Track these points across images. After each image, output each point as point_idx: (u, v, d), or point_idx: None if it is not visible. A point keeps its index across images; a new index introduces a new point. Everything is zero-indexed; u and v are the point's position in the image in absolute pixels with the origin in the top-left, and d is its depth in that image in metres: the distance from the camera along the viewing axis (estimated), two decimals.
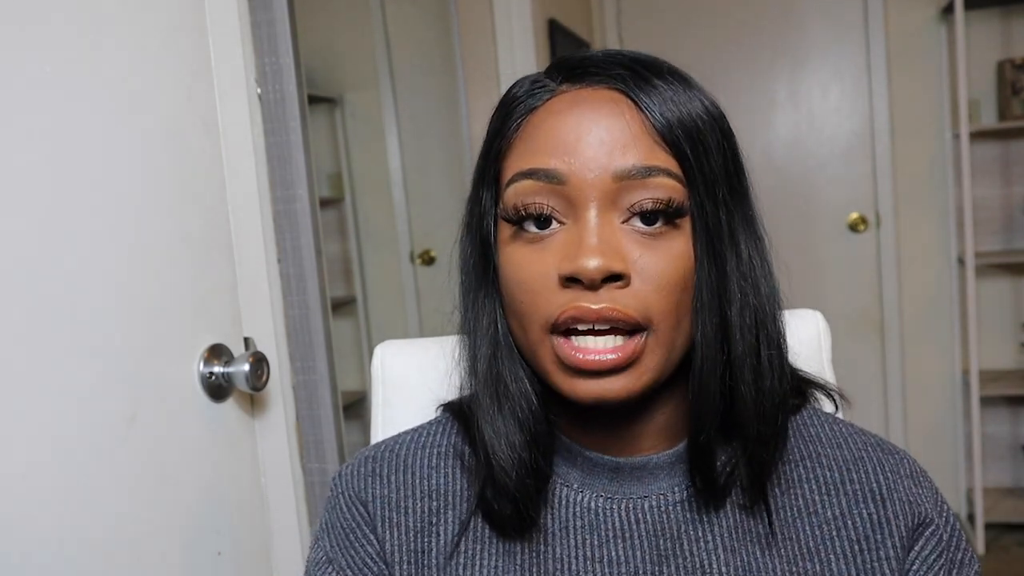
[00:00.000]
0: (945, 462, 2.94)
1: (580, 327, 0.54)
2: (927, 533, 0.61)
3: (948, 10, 2.70)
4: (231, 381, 0.99)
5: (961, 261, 2.76)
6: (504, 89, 0.62)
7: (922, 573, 0.60)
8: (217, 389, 0.98)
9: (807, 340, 0.84)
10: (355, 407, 2.43)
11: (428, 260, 2.57)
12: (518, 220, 0.56)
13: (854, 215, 2.97)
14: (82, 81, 0.82)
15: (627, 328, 0.54)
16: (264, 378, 1.01)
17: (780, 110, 3.00)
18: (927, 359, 2.95)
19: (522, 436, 0.59)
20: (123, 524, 0.84)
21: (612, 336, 0.54)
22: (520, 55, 2.30)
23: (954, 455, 2.94)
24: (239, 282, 1.04)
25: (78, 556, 0.78)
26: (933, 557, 0.61)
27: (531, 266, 0.55)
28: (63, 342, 0.78)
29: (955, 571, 0.61)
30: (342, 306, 2.58)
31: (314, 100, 2.37)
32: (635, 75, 0.56)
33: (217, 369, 0.97)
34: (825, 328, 0.86)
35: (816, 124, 2.98)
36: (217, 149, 1.01)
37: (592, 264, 0.52)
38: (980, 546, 2.67)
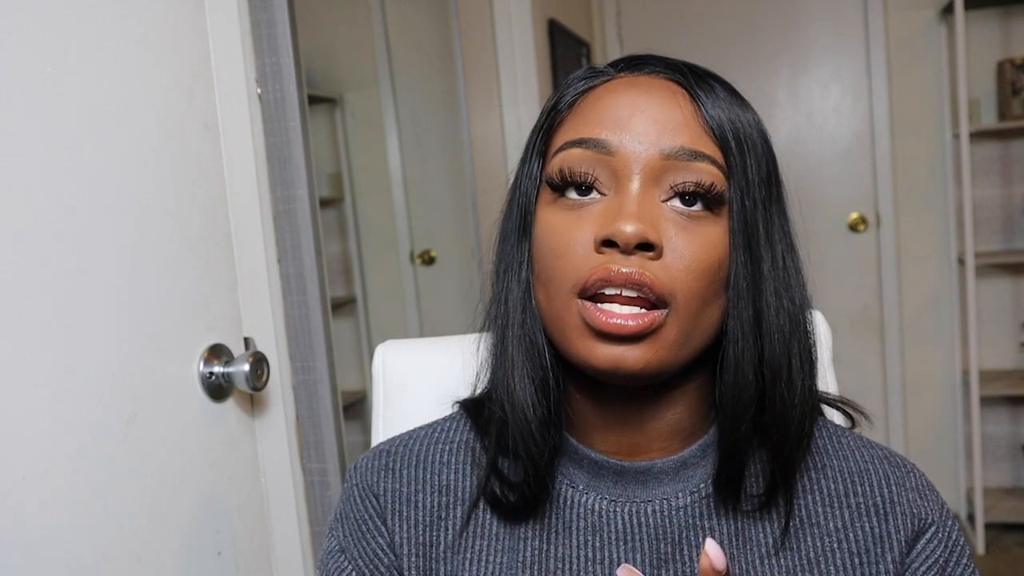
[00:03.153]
0: (945, 462, 2.94)
1: (608, 291, 0.54)
2: (928, 535, 0.61)
3: (948, 10, 2.70)
4: (231, 381, 0.99)
5: (961, 261, 2.76)
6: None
7: (922, 569, 0.60)
8: (217, 389, 0.98)
9: None
10: (355, 407, 2.42)
11: (428, 260, 2.57)
12: (562, 185, 0.57)
13: (854, 215, 2.97)
14: (82, 81, 0.82)
15: (652, 299, 0.54)
16: (264, 378, 1.01)
17: (780, 110, 3.00)
18: (927, 359, 2.95)
19: (543, 397, 0.60)
20: (123, 524, 0.84)
21: (636, 307, 0.54)
22: (520, 55, 2.30)
23: (954, 455, 2.94)
24: (239, 282, 1.04)
25: (78, 556, 0.78)
26: (936, 551, 0.61)
27: (567, 231, 0.56)
28: (63, 342, 0.78)
29: (950, 569, 0.61)
30: (342, 306, 2.58)
31: (314, 100, 2.37)
32: (693, 72, 0.59)
33: (217, 369, 0.97)
34: (826, 328, 0.86)
35: (816, 124, 2.98)
36: (217, 149, 1.01)
37: (629, 228, 0.53)
38: (980, 546, 2.67)
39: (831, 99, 2.96)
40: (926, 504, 0.62)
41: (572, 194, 0.57)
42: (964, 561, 0.62)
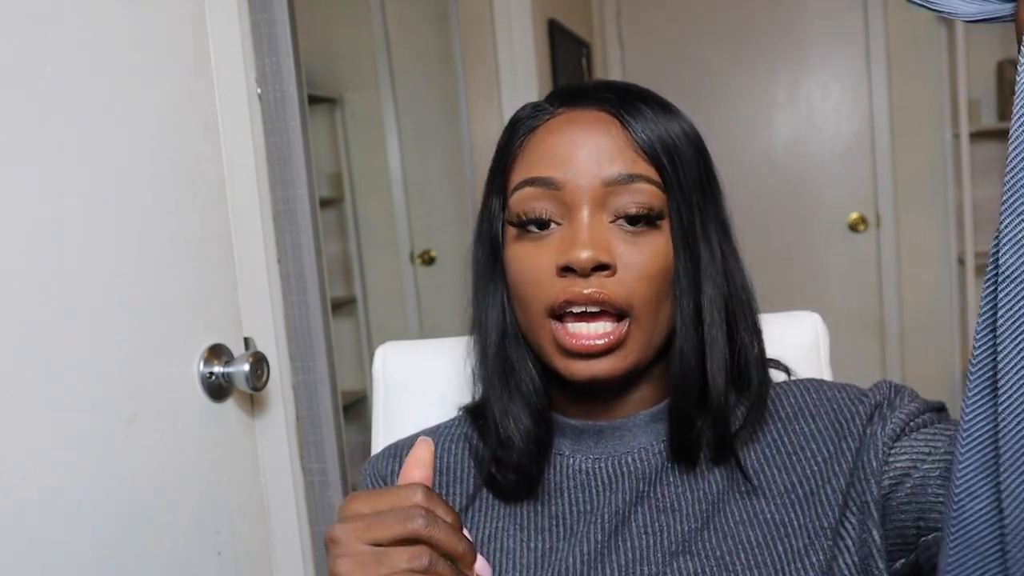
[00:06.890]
0: None
1: (574, 309, 0.63)
2: (875, 415, 0.65)
3: None
4: (231, 381, 0.99)
5: (961, 261, 2.76)
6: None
7: (900, 442, 0.63)
8: (217, 389, 0.98)
9: (805, 342, 0.84)
10: (355, 407, 2.43)
11: (428, 260, 2.57)
12: (521, 224, 0.66)
13: (854, 215, 2.97)
14: (82, 81, 0.82)
15: (613, 311, 0.63)
16: (264, 378, 1.01)
17: (780, 110, 3.00)
18: (927, 359, 2.95)
19: (527, 410, 0.69)
20: (123, 524, 0.84)
21: (602, 323, 0.64)
22: (520, 55, 2.31)
23: None
24: (239, 282, 1.04)
25: (79, 556, 0.79)
26: (891, 416, 0.64)
27: (533, 260, 0.65)
28: (63, 342, 0.78)
29: (894, 410, 0.65)
30: (342, 306, 2.58)
31: (314, 100, 2.37)
32: (622, 99, 0.66)
33: (217, 369, 0.97)
34: (823, 330, 0.86)
35: (816, 124, 2.98)
36: (217, 149, 1.01)
37: (584, 255, 0.62)
38: None
39: (831, 99, 2.96)
40: (871, 399, 0.66)
41: (533, 228, 0.66)
42: (907, 400, 0.66)
